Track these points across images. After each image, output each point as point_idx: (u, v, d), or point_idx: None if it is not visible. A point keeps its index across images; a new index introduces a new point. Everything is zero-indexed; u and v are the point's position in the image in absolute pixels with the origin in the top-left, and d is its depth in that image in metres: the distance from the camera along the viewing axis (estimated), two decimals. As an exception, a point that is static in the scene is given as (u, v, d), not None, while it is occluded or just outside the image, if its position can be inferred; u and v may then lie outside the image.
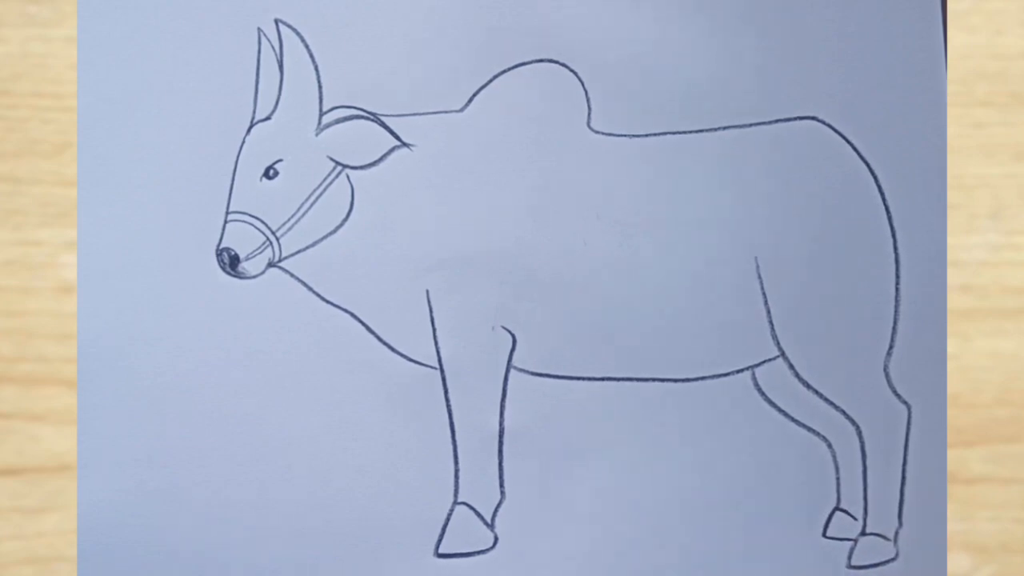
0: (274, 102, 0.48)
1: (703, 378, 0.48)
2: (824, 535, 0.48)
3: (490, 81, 0.49)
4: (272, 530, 0.46)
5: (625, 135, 0.49)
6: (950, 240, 0.42)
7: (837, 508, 0.49)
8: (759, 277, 0.49)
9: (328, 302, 0.47)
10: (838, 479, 0.49)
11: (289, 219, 0.47)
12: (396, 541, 0.47)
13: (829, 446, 0.49)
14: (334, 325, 0.47)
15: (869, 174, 0.50)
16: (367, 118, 0.48)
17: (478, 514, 0.47)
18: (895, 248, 0.50)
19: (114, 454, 0.46)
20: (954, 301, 0.41)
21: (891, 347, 0.49)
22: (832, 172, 0.50)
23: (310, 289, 0.47)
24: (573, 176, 0.49)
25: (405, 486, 0.47)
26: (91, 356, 0.46)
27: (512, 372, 0.48)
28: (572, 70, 0.49)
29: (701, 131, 0.50)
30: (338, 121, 0.48)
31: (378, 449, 0.47)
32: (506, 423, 0.47)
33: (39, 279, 0.42)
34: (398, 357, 0.47)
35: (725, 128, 0.50)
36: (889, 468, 0.48)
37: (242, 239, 0.47)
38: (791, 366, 0.49)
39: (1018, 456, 0.40)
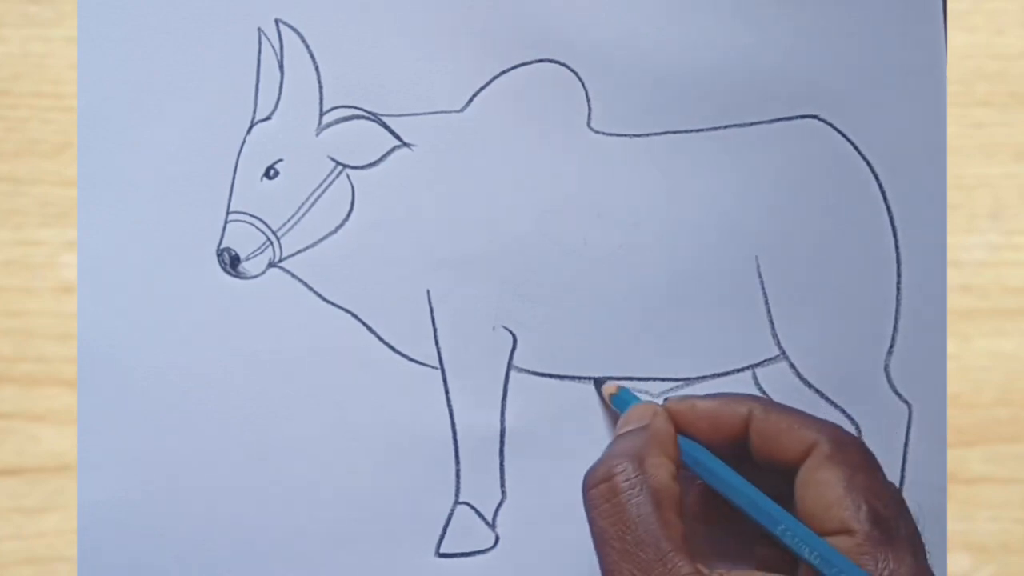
0: (274, 102, 0.48)
1: (703, 378, 0.49)
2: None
3: (490, 81, 0.49)
4: (272, 530, 0.46)
5: (625, 135, 0.49)
6: (950, 240, 0.42)
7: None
8: (759, 277, 0.49)
9: (329, 302, 0.47)
10: (838, 479, 0.49)
11: (290, 219, 0.47)
12: (396, 541, 0.47)
13: (829, 446, 0.49)
14: (335, 325, 0.47)
15: (870, 173, 0.50)
16: (367, 118, 0.48)
17: (479, 514, 0.47)
18: (896, 247, 0.50)
19: (114, 454, 0.46)
20: (954, 301, 0.41)
21: (892, 347, 0.49)
22: (833, 171, 0.50)
23: (311, 289, 0.47)
24: (573, 176, 0.49)
25: (405, 486, 0.47)
26: (91, 356, 0.46)
27: (513, 372, 0.48)
28: (572, 70, 0.49)
29: (701, 131, 0.50)
30: (338, 121, 0.48)
31: (378, 449, 0.47)
32: (507, 423, 0.47)
33: (39, 279, 0.42)
34: (399, 357, 0.47)
35: (725, 127, 0.50)
36: (889, 468, 0.48)
37: (243, 239, 0.47)
38: (792, 366, 0.49)
39: (1018, 456, 0.40)
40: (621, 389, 0.47)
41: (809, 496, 0.39)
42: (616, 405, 0.46)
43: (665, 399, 0.44)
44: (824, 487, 0.39)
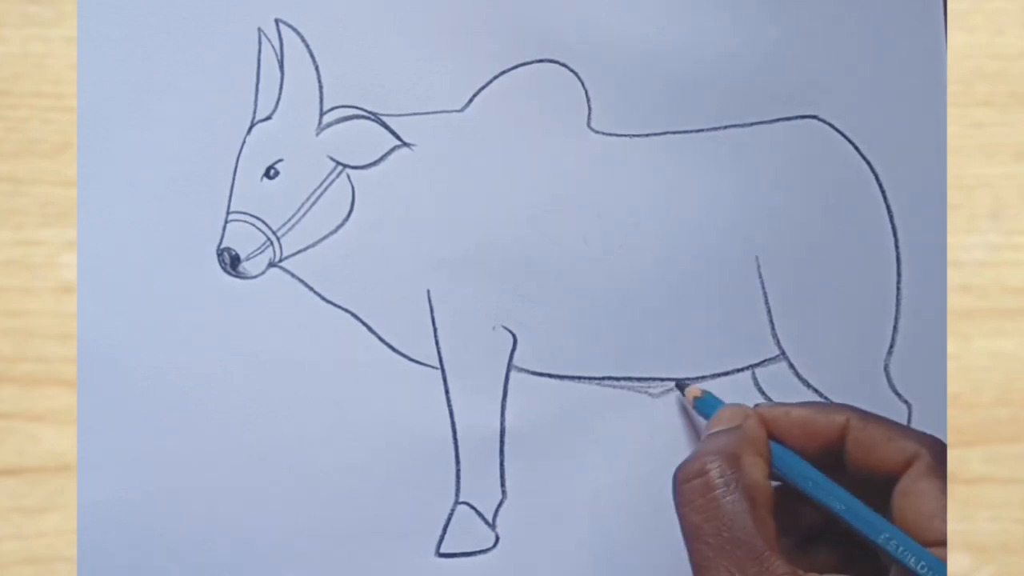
0: (275, 102, 0.48)
1: (703, 378, 0.49)
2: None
3: (490, 81, 0.49)
4: (272, 530, 0.46)
5: (625, 135, 0.49)
6: (950, 240, 0.42)
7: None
8: (759, 277, 0.49)
9: (329, 302, 0.47)
10: (838, 479, 0.49)
11: (290, 219, 0.47)
12: (397, 541, 0.47)
13: (829, 446, 0.49)
14: (334, 325, 0.47)
15: (870, 173, 0.50)
16: (367, 118, 0.48)
17: (479, 514, 0.47)
18: (896, 247, 0.50)
19: (114, 454, 0.46)
20: (954, 301, 0.41)
21: (892, 346, 0.49)
22: (833, 171, 0.50)
23: (311, 289, 0.47)
24: (573, 176, 0.49)
25: (405, 486, 0.47)
26: (91, 356, 0.46)
27: (513, 372, 0.48)
28: (572, 70, 0.49)
29: (701, 131, 0.50)
30: (339, 121, 0.48)
31: (378, 449, 0.47)
32: (507, 423, 0.47)
33: (39, 279, 0.42)
34: (399, 357, 0.47)
35: (725, 127, 0.50)
36: (889, 468, 0.48)
37: (243, 239, 0.47)
38: (791, 366, 0.49)
39: (1018, 456, 0.40)
40: (706, 393, 0.46)
41: (910, 507, 0.39)
42: (699, 408, 0.46)
43: (756, 405, 0.44)
44: (927, 498, 0.39)
